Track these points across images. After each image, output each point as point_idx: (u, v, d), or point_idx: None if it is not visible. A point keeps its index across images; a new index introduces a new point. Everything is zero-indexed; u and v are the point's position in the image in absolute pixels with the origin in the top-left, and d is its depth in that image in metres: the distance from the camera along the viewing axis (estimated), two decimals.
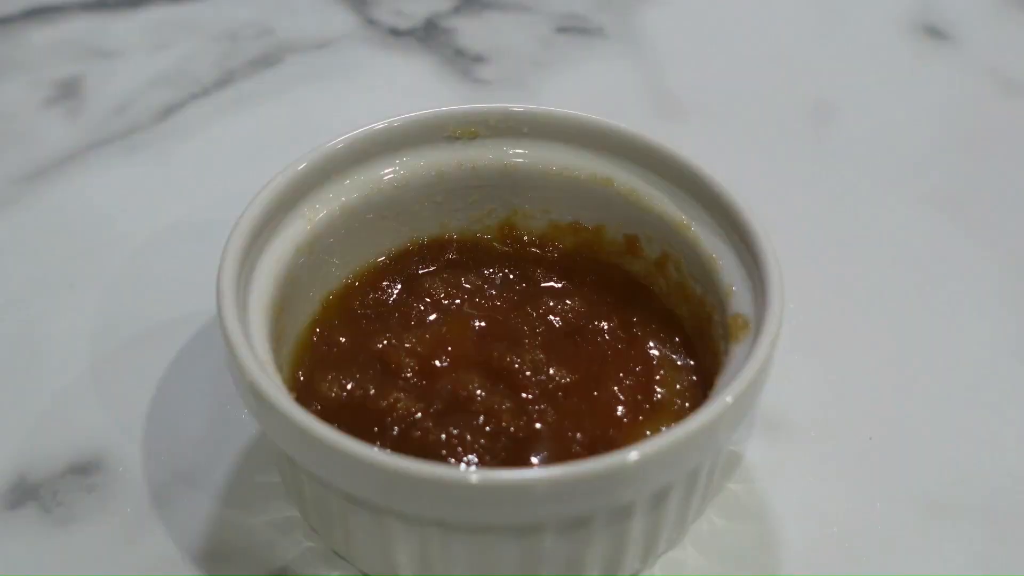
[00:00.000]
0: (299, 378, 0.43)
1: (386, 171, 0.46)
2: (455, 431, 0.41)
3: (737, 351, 0.41)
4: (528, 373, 0.43)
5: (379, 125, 0.46)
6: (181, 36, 0.67)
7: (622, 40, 0.69)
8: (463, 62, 0.66)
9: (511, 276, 0.47)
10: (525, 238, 0.48)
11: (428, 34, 0.68)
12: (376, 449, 0.36)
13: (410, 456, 0.36)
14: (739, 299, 0.42)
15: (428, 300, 0.46)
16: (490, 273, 0.47)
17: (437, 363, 0.43)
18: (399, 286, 0.46)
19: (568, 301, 0.46)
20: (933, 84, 0.66)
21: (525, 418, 0.41)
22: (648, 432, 0.41)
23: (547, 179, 0.47)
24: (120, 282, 0.53)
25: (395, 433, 0.41)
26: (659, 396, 0.43)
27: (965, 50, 0.69)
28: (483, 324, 0.45)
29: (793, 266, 0.52)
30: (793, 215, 0.56)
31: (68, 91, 0.63)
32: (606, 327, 0.45)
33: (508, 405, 0.41)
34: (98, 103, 0.63)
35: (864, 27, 0.71)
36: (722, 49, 0.69)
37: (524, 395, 0.42)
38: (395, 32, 0.69)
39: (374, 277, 0.46)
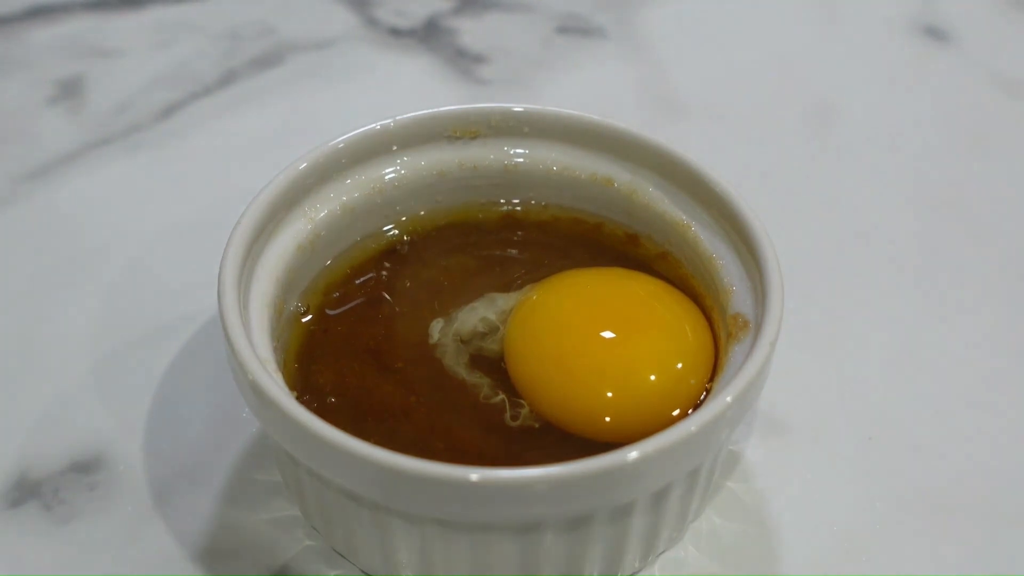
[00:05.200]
0: (299, 376, 0.43)
1: (387, 171, 0.47)
2: (452, 424, 0.41)
3: (737, 351, 0.41)
4: None
5: (380, 125, 0.46)
6: (182, 35, 0.67)
7: (622, 40, 0.69)
8: (464, 62, 0.66)
9: (511, 263, 0.47)
10: (526, 230, 0.48)
11: (429, 34, 0.68)
12: (377, 447, 0.36)
13: (408, 450, 0.36)
14: (739, 299, 0.42)
15: (428, 293, 0.46)
16: (489, 260, 0.47)
17: (437, 355, 0.43)
18: (399, 281, 0.46)
19: None
20: (933, 85, 0.67)
21: (521, 410, 0.41)
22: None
23: (548, 179, 0.48)
24: (121, 281, 0.53)
25: (395, 429, 0.41)
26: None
27: (965, 51, 0.69)
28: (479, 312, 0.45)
29: (793, 266, 0.52)
30: (793, 215, 0.56)
31: (69, 90, 0.63)
32: None
33: (501, 396, 0.42)
34: (99, 102, 0.63)
35: (864, 27, 0.71)
36: (722, 49, 0.69)
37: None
38: (396, 32, 0.69)
39: (374, 274, 0.46)
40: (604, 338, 0.43)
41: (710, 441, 0.38)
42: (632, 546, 0.40)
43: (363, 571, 0.42)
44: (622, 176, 0.47)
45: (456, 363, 0.43)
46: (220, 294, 0.40)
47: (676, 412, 0.41)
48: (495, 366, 0.43)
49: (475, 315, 0.44)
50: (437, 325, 0.44)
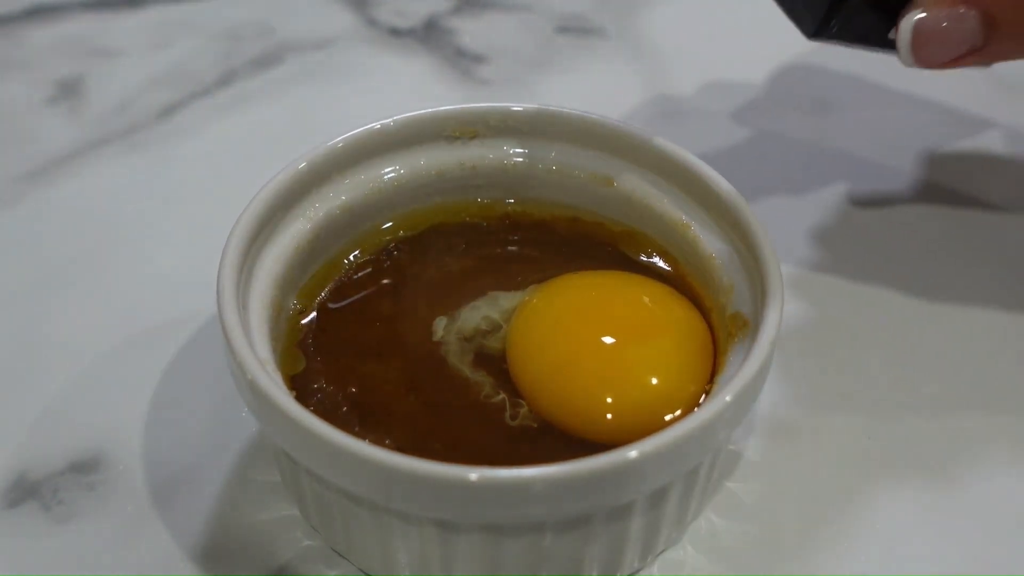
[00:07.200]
0: (298, 375, 0.43)
1: (386, 171, 0.47)
2: (452, 423, 0.41)
3: (736, 350, 0.41)
4: None
5: (379, 125, 0.46)
6: (182, 35, 0.67)
7: (622, 40, 0.69)
8: (463, 62, 0.67)
9: (511, 263, 0.47)
10: (525, 229, 0.48)
11: (428, 34, 0.68)
12: (375, 447, 0.36)
13: (406, 449, 0.36)
14: (738, 298, 0.42)
15: (426, 292, 0.46)
16: (489, 260, 0.47)
17: (441, 352, 0.43)
18: (397, 281, 0.46)
19: None
20: (932, 84, 0.66)
21: (520, 409, 0.41)
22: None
23: (547, 178, 0.48)
24: (120, 281, 0.53)
25: (395, 428, 0.41)
26: None
27: None
28: (482, 311, 0.45)
29: (793, 265, 0.52)
30: (792, 215, 0.56)
31: (69, 90, 0.63)
32: None
33: (502, 396, 0.42)
34: (99, 102, 0.63)
35: None
36: (722, 49, 0.69)
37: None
38: (395, 32, 0.69)
39: (373, 274, 0.46)
40: (603, 340, 0.43)
41: (709, 441, 0.38)
42: (631, 546, 0.40)
43: (362, 571, 0.42)
44: (622, 176, 0.47)
45: (460, 361, 0.43)
46: (219, 294, 0.40)
47: (675, 413, 0.41)
48: (497, 364, 0.43)
49: (478, 313, 0.44)
50: (441, 323, 0.44)
